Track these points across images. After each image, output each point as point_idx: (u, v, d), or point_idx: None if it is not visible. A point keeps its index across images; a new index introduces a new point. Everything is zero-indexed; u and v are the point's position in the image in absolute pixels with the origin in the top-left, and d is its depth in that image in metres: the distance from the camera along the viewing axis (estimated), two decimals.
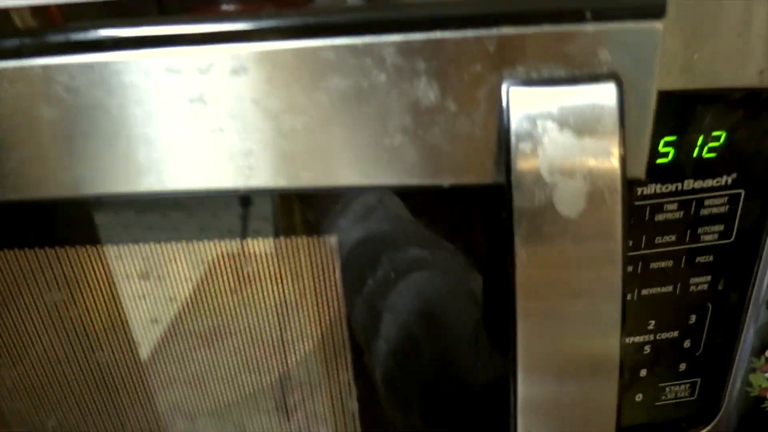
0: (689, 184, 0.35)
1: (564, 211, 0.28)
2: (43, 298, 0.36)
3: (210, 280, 0.35)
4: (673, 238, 0.37)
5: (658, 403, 0.44)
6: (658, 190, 0.35)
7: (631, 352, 0.41)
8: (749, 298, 0.40)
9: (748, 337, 0.42)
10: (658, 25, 0.27)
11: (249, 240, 0.34)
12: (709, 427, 0.45)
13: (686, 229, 0.37)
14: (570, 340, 0.30)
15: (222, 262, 0.35)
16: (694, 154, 0.34)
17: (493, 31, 0.27)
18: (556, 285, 0.29)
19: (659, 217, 0.36)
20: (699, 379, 0.43)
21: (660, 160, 0.34)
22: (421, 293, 0.35)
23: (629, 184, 0.28)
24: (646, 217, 0.36)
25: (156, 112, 0.28)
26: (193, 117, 0.28)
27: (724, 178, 0.35)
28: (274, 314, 0.36)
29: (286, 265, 0.35)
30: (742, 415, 0.52)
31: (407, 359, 0.37)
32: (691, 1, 0.29)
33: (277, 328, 0.37)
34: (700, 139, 0.34)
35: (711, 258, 0.38)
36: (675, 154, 0.34)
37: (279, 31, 0.27)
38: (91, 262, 0.35)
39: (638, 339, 0.40)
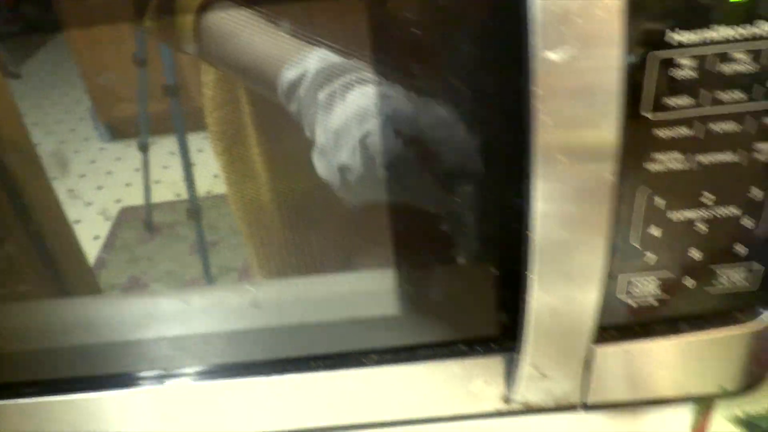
0: (764, 27, 0.30)
1: None
2: None
3: None
4: (740, 95, 0.32)
5: (711, 291, 0.40)
6: (724, 35, 0.30)
7: (682, 229, 0.36)
8: None
9: None
10: None
11: None
12: (765, 320, 0.40)
13: (758, 84, 0.31)
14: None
15: None
16: None
17: None
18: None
19: (725, 69, 0.31)
20: (758, 265, 0.39)
21: None
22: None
23: None
24: (708, 68, 0.31)
25: None
26: None
27: None
28: None
29: None
30: None
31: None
32: None
33: None
34: None
35: None
36: None
37: None
38: None
39: (690, 214, 0.36)
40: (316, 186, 0.36)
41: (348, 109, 0.32)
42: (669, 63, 0.31)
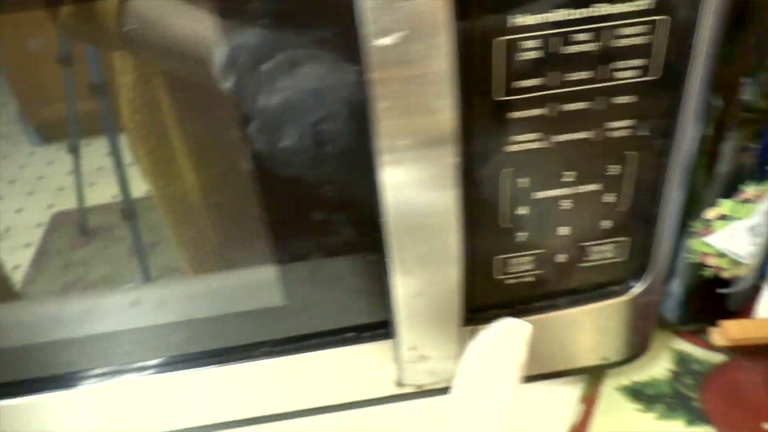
0: (602, 8, 0.31)
1: None
2: None
3: None
4: (588, 75, 0.33)
5: (583, 265, 0.41)
6: (566, 17, 0.31)
7: (548, 207, 0.38)
8: (674, 145, 0.36)
9: (676, 193, 0.38)
10: None
11: None
12: (639, 290, 0.42)
13: (603, 64, 0.33)
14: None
15: None
16: None
17: None
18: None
19: (569, 50, 0.32)
20: (626, 238, 0.40)
21: None
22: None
23: None
24: (553, 49, 0.32)
25: None
26: None
27: (645, 0, 0.31)
28: None
29: None
30: (686, 286, 0.50)
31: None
32: None
33: None
34: None
35: (635, 98, 0.34)
36: None
37: None
38: None
39: (555, 192, 0.37)
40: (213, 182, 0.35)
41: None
42: (515, 47, 0.31)
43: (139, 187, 0.35)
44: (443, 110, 0.27)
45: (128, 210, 0.36)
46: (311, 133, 0.32)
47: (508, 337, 0.34)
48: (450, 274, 0.33)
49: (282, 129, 0.32)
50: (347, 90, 0.29)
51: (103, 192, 0.35)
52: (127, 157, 0.34)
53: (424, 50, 0.26)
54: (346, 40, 0.27)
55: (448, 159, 0.28)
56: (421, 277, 0.33)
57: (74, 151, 0.34)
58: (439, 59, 0.26)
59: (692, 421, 0.46)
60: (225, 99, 0.30)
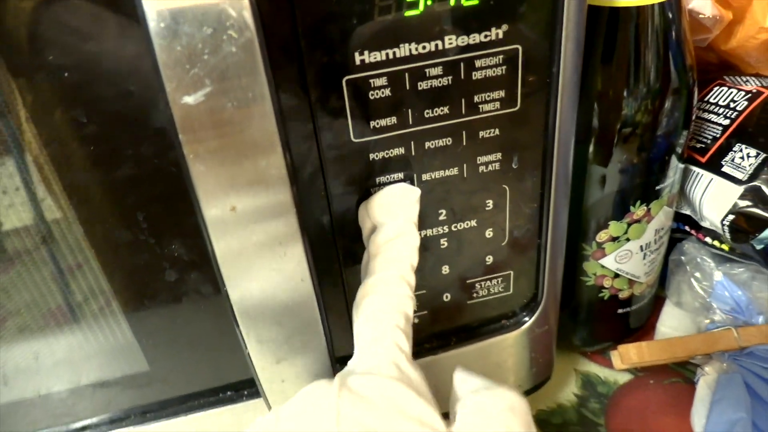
0: (451, 40, 0.29)
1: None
2: None
3: None
4: (446, 110, 0.31)
5: (470, 302, 0.39)
6: (414, 51, 0.28)
7: (426, 247, 0.35)
8: (549, 174, 0.34)
9: (560, 220, 0.37)
10: None
11: None
12: (531, 321, 0.40)
13: (459, 98, 0.30)
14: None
15: None
16: (451, 2, 0.28)
17: None
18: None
19: (423, 85, 0.30)
20: (511, 272, 0.38)
21: (409, 12, 0.28)
22: None
23: None
24: (407, 86, 0.29)
25: None
26: None
27: (493, 31, 0.29)
28: None
29: None
30: (587, 307, 0.48)
31: None
32: None
33: None
34: None
35: (497, 131, 0.32)
36: (426, 4, 0.28)
37: None
38: None
39: (430, 232, 0.35)
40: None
41: None
42: (366, 86, 0.29)
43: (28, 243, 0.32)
44: (271, 170, 0.24)
45: (45, 233, 0.32)
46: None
47: (401, 197, 0.32)
48: (313, 339, 0.30)
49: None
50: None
51: (21, 214, 0.31)
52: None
53: (238, 107, 0.23)
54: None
55: (289, 219, 0.26)
56: (278, 344, 0.30)
57: None
58: (259, 115, 0.23)
59: None
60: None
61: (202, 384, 0.39)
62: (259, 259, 0.26)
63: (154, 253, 0.32)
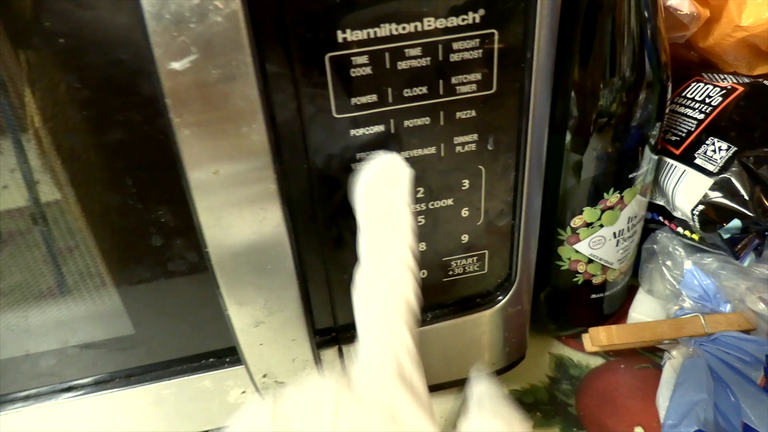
0: (430, 22, 0.30)
1: None
2: None
3: None
4: (424, 90, 0.32)
5: (446, 280, 0.41)
6: (394, 31, 0.30)
7: None
8: (524, 157, 0.36)
9: (533, 202, 0.38)
10: None
11: None
12: (504, 300, 0.42)
13: (437, 79, 0.32)
14: None
15: None
16: None
17: None
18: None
19: (402, 65, 0.31)
20: (486, 251, 0.40)
21: None
22: None
23: None
24: (387, 65, 0.31)
25: None
26: None
27: (470, 15, 0.30)
28: None
29: None
30: (562, 292, 0.50)
31: None
32: None
33: None
34: None
35: (473, 113, 0.33)
36: None
37: None
38: None
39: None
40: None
41: None
42: (347, 63, 0.30)
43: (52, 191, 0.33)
44: (253, 136, 0.26)
45: (37, 214, 0.33)
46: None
47: (391, 174, 0.32)
48: (290, 303, 0.32)
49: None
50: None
51: (16, 195, 0.33)
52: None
53: (222, 74, 0.24)
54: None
55: (267, 185, 0.27)
56: (257, 306, 0.31)
57: None
58: (242, 83, 0.25)
59: (567, 428, 0.46)
60: None
61: (186, 350, 0.40)
62: (239, 221, 0.28)
63: (141, 217, 0.33)
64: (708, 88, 0.49)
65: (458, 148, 0.35)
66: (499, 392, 0.28)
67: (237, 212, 0.27)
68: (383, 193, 0.31)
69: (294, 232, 0.30)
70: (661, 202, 0.49)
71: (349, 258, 0.37)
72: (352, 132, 0.33)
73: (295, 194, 0.34)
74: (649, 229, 0.51)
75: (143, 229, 0.34)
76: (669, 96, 0.42)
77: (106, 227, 0.34)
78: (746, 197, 0.43)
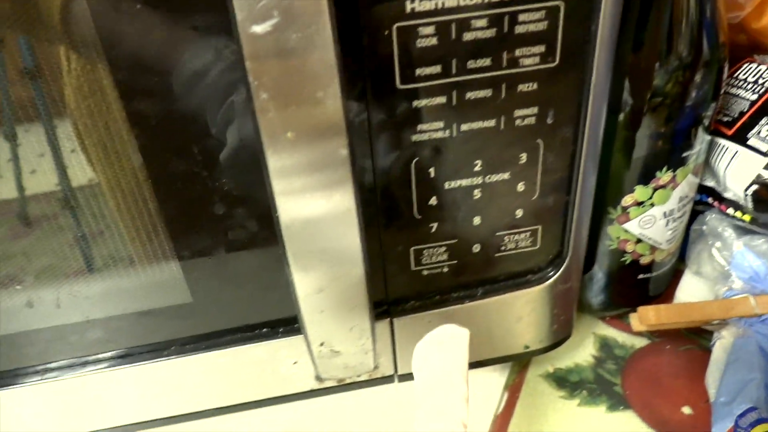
0: None
1: None
2: None
3: None
4: (488, 62, 0.32)
5: (498, 255, 0.41)
6: (462, 2, 0.30)
7: (459, 197, 0.37)
8: (582, 133, 0.36)
9: (589, 178, 0.38)
10: None
11: None
12: (555, 277, 0.42)
13: (501, 50, 0.32)
14: None
15: None
16: None
17: None
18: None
19: (467, 36, 0.31)
20: (539, 226, 0.40)
21: None
22: None
23: None
24: (452, 36, 0.31)
25: None
26: None
27: None
28: None
29: None
30: (609, 271, 0.50)
31: None
32: None
33: None
34: None
35: (535, 86, 0.34)
36: None
37: None
38: None
39: (465, 182, 0.37)
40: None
41: None
42: (414, 34, 0.31)
43: (83, 174, 0.34)
44: (328, 101, 0.26)
45: (66, 198, 0.34)
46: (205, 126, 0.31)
47: (449, 341, 0.33)
48: (353, 270, 0.32)
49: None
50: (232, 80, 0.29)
51: (44, 179, 0.33)
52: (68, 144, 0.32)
53: (302, 39, 0.25)
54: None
55: (339, 151, 0.28)
56: (321, 273, 0.32)
57: (11, 138, 0.32)
58: (320, 48, 0.25)
59: (613, 406, 0.47)
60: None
61: (241, 319, 0.41)
62: (310, 187, 0.28)
63: (205, 185, 0.34)
64: (761, 69, 0.48)
65: (518, 122, 0.35)
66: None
67: (308, 178, 0.28)
68: (441, 362, 0.32)
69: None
70: (710, 184, 0.48)
71: (403, 233, 0.38)
72: (415, 103, 0.33)
73: (357, 165, 0.34)
74: (696, 211, 0.51)
75: (207, 197, 0.35)
76: (725, 77, 0.42)
77: (169, 195, 0.35)
78: None
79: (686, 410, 0.45)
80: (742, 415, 0.37)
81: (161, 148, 0.33)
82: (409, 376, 0.45)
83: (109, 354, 0.42)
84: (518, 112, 0.35)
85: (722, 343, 0.44)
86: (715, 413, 0.40)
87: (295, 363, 0.43)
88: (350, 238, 0.31)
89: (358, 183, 0.30)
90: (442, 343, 0.33)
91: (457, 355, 0.32)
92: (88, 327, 0.40)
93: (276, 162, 0.27)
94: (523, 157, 0.36)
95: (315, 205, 0.29)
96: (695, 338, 0.50)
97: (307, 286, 0.32)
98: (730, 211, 0.48)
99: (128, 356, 0.42)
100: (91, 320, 0.39)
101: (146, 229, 0.36)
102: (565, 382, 0.49)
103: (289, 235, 0.29)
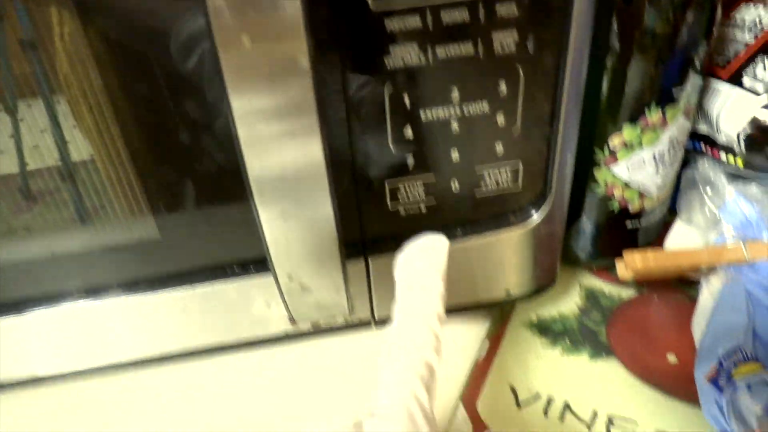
0: None
1: None
2: None
3: None
4: None
5: (478, 193, 0.39)
6: None
7: (436, 129, 0.35)
8: (564, 63, 0.34)
9: (573, 111, 0.37)
10: None
11: None
12: (537, 219, 0.41)
13: None
14: None
15: None
16: None
17: None
18: None
19: None
20: (520, 161, 0.38)
21: None
22: None
23: None
24: None
25: None
26: None
27: None
28: None
29: None
30: (595, 221, 0.49)
31: None
32: None
33: None
34: None
35: (514, 8, 0.32)
36: None
37: None
38: None
39: (442, 113, 0.35)
40: None
41: None
42: None
43: (82, 148, 0.33)
44: (289, 28, 0.25)
45: (66, 172, 0.33)
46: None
47: (430, 248, 0.34)
48: (321, 207, 0.31)
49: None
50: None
51: (46, 154, 0.33)
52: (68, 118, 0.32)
53: None
54: None
55: (299, 59, 0.26)
56: (282, 194, 0.30)
57: (12, 112, 0.31)
58: None
59: (596, 354, 0.45)
60: None
61: (210, 257, 0.40)
62: (269, 101, 0.27)
63: (167, 111, 0.32)
64: (759, 9, 0.46)
65: (497, 48, 0.33)
66: None
67: (268, 91, 0.26)
68: (420, 263, 0.33)
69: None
70: (704, 131, 0.47)
71: (377, 166, 0.36)
72: (388, 26, 0.31)
73: (325, 92, 0.33)
74: (689, 161, 0.49)
75: (170, 126, 0.33)
76: (718, 17, 0.40)
77: (133, 122, 0.33)
78: None
79: (671, 358, 0.44)
80: (727, 356, 0.36)
81: (119, 71, 0.31)
82: (387, 321, 0.44)
83: (76, 289, 0.40)
84: (497, 37, 0.33)
85: (710, 289, 0.43)
86: (699, 354, 0.39)
87: (266, 304, 0.42)
88: (317, 174, 0.29)
89: (324, 103, 0.29)
90: (423, 250, 0.34)
91: (436, 259, 0.33)
92: (54, 261, 0.39)
93: (237, 97, 0.25)
94: (503, 86, 0.35)
95: (279, 141, 0.27)
96: (685, 289, 0.49)
97: (269, 209, 0.31)
98: (723, 155, 0.46)
99: (96, 291, 0.40)
100: (57, 255, 0.38)
101: (111, 161, 0.34)
102: (548, 330, 0.47)
103: (253, 173, 0.28)
